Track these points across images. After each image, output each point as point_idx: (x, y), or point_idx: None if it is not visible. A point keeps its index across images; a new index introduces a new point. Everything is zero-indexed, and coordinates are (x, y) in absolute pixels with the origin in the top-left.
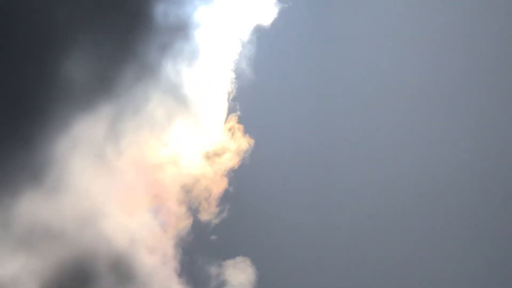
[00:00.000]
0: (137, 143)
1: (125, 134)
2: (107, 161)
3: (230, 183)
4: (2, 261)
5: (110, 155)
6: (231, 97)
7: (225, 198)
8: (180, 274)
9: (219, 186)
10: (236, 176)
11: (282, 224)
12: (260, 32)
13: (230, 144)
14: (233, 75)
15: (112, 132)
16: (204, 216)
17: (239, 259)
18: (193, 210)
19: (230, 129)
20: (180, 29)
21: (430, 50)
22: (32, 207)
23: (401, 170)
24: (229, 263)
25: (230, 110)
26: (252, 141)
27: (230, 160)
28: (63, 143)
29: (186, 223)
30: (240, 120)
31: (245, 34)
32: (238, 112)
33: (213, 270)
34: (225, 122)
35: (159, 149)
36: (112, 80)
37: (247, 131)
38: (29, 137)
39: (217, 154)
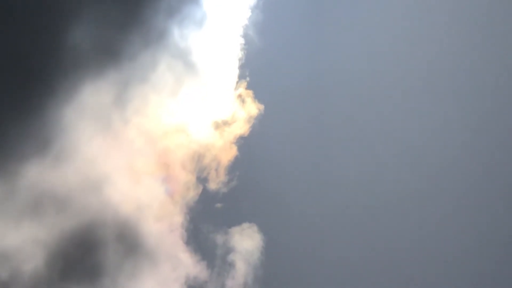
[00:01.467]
0: (145, 111)
1: (132, 102)
2: (114, 128)
3: (239, 151)
4: (8, 230)
5: (117, 122)
6: (240, 64)
7: (234, 166)
8: (187, 242)
9: (228, 154)
10: (245, 143)
11: (290, 190)
12: None
13: (240, 112)
14: (241, 41)
15: (119, 100)
16: (212, 185)
17: (245, 225)
18: (201, 179)
19: (239, 96)
20: None
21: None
22: (38, 174)
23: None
24: (236, 230)
25: (240, 77)
26: (261, 107)
27: (239, 128)
28: (70, 111)
29: (193, 191)
30: (249, 86)
31: None
32: (248, 78)
33: (219, 237)
34: (235, 89)
35: (167, 117)
36: (119, 47)
37: (256, 97)
38: (36, 105)
39: (226, 123)
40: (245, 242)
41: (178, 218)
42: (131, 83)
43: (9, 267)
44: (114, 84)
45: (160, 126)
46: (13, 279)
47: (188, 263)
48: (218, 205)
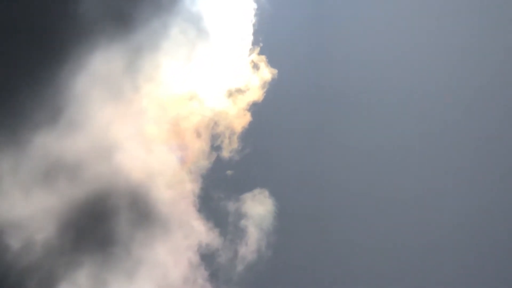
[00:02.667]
0: (156, 78)
1: (144, 69)
2: (126, 96)
3: (253, 117)
4: (20, 199)
5: (128, 90)
6: (253, 29)
7: (247, 133)
8: (199, 210)
9: (242, 121)
10: (259, 109)
11: (303, 156)
12: None
13: (253, 78)
14: (254, 5)
15: (131, 67)
16: (225, 153)
17: (257, 191)
18: (214, 147)
19: (252, 62)
20: None
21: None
22: (49, 143)
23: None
24: (247, 196)
25: (253, 43)
26: (275, 71)
27: (253, 94)
28: (81, 79)
29: (205, 159)
30: (262, 52)
31: None
32: (261, 44)
33: (231, 204)
34: (248, 55)
35: (180, 84)
36: (130, 13)
37: (270, 62)
38: (48, 73)
39: (239, 90)
40: (257, 208)
41: (190, 186)
42: (143, 50)
43: (21, 237)
44: (125, 52)
45: (173, 94)
46: (25, 249)
47: (200, 231)
48: (229, 172)
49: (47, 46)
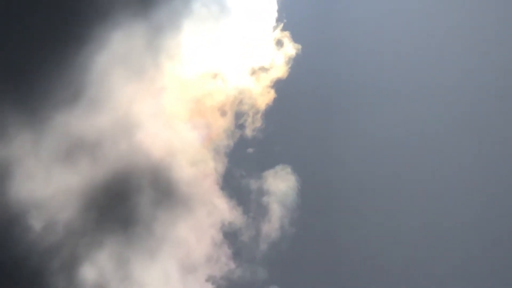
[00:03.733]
0: (178, 56)
1: (166, 48)
2: (147, 75)
3: (277, 94)
4: (41, 179)
5: (150, 69)
6: (278, 6)
7: (271, 110)
8: (222, 188)
9: (266, 99)
10: (283, 86)
11: (327, 132)
12: None
13: (277, 55)
14: None
15: (152, 46)
16: (248, 130)
17: (279, 167)
18: (237, 125)
19: (276, 38)
20: None
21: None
22: (70, 122)
23: None
24: (269, 173)
25: (277, 19)
26: (299, 47)
27: (277, 71)
28: (102, 58)
29: (228, 137)
30: (285, 27)
31: None
32: (285, 20)
33: (253, 181)
34: (272, 31)
35: (202, 62)
36: None
37: (293, 38)
38: (69, 52)
39: (263, 68)
40: (280, 184)
41: (212, 164)
42: (165, 27)
43: (43, 217)
44: (147, 30)
45: (195, 72)
46: (47, 230)
47: (223, 209)
48: (250, 150)
49: (68, 24)
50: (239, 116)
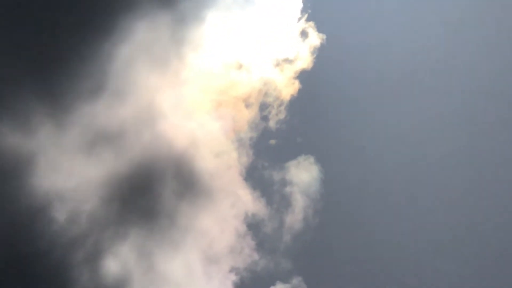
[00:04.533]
0: (202, 48)
1: (190, 39)
2: (171, 66)
3: (302, 84)
4: (64, 170)
5: (173, 60)
6: None
7: (295, 101)
8: (245, 179)
9: (290, 90)
10: (308, 77)
11: (352, 122)
12: None
13: (302, 46)
14: None
15: (176, 37)
16: (272, 123)
17: (301, 158)
18: (261, 116)
19: (301, 29)
20: None
21: None
22: (94, 113)
23: None
24: (292, 163)
25: (302, 10)
26: (324, 37)
27: (302, 62)
28: (126, 49)
29: (252, 128)
30: (310, 18)
31: None
32: (309, 11)
33: (276, 173)
34: (297, 21)
35: (226, 53)
36: None
37: (318, 28)
38: (94, 43)
39: (288, 60)
40: (302, 175)
41: (235, 155)
42: (188, 18)
43: (66, 209)
44: (171, 21)
45: (219, 63)
46: (71, 221)
47: (246, 200)
48: (272, 141)
49: (93, 15)
50: (263, 107)
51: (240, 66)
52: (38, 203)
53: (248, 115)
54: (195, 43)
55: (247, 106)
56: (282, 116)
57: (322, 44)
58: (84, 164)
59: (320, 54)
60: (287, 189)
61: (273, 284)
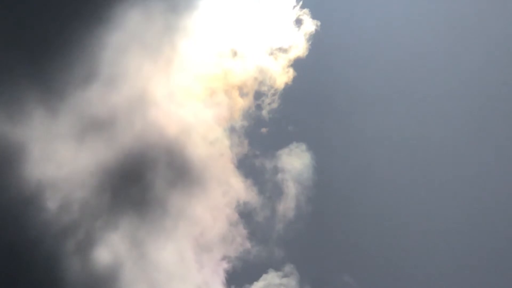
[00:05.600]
0: (195, 36)
1: (182, 27)
2: (163, 54)
3: (296, 72)
4: (56, 158)
5: (166, 48)
6: None
7: (289, 89)
8: (237, 167)
9: (285, 78)
10: (303, 64)
11: (346, 108)
12: None
13: (297, 34)
14: None
15: (169, 26)
16: (265, 112)
17: (293, 145)
18: (255, 105)
19: (296, 17)
20: None
21: None
22: (86, 100)
23: None
24: (284, 151)
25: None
26: (318, 23)
27: (297, 50)
28: (118, 37)
29: (244, 116)
30: (304, 5)
31: None
32: None
33: (268, 161)
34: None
35: (220, 42)
36: None
37: (313, 15)
38: (86, 31)
39: (283, 49)
40: (295, 162)
41: (227, 143)
42: (182, 6)
43: (57, 197)
44: (164, 9)
45: (213, 51)
46: (62, 210)
47: (238, 188)
48: (264, 129)
49: (86, 3)
50: (257, 96)
51: (235, 54)
52: (29, 192)
53: (242, 103)
54: (188, 31)
55: (242, 95)
56: (275, 105)
57: (316, 31)
58: (76, 152)
59: (315, 41)
60: (279, 176)
61: (266, 272)
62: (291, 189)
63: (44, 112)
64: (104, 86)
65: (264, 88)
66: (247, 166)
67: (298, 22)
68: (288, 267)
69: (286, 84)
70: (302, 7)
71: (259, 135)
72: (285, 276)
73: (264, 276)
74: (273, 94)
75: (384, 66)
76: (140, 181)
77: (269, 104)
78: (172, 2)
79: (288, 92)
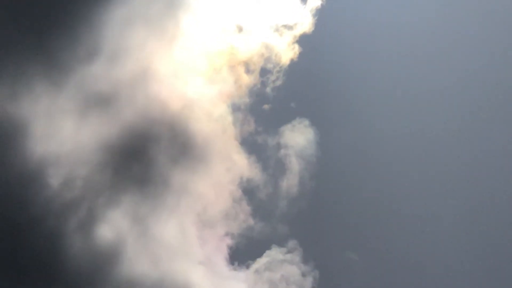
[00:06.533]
0: (199, 12)
1: (186, 4)
2: (167, 30)
3: (302, 47)
4: (59, 134)
5: (169, 24)
6: None
7: (295, 66)
8: (241, 143)
9: (290, 54)
10: (309, 40)
11: (347, 86)
12: None
13: (303, 10)
14: None
15: (171, 3)
16: (269, 89)
17: (296, 121)
18: (260, 81)
19: None
20: None
21: None
22: (89, 75)
23: None
24: (287, 127)
25: None
26: None
27: (303, 26)
28: (121, 12)
29: (247, 93)
30: None
31: None
32: None
33: (271, 137)
34: None
35: (224, 17)
36: None
37: None
38: (88, 6)
39: (288, 26)
40: (297, 138)
41: (230, 119)
42: None
43: (59, 174)
44: None
45: (218, 27)
46: (64, 187)
47: (242, 164)
48: (266, 106)
49: None
50: (263, 73)
51: (240, 30)
52: (31, 168)
53: (247, 80)
54: (192, 7)
55: (247, 71)
56: (279, 82)
57: (322, 5)
58: (79, 128)
59: (321, 16)
60: (283, 153)
61: (269, 248)
62: (294, 165)
63: (47, 87)
64: (107, 62)
65: (270, 65)
66: (250, 143)
67: None
68: (291, 243)
69: (292, 61)
70: None
71: (262, 112)
72: (289, 252)
73: (268, 252)
74: (278, 71)
75: (390, 43)
76: (143, 157)
77: (274, 81)
78: None
79: (293, 68)
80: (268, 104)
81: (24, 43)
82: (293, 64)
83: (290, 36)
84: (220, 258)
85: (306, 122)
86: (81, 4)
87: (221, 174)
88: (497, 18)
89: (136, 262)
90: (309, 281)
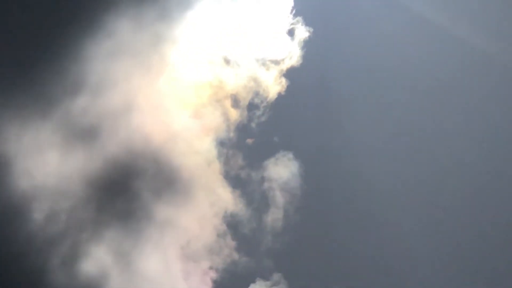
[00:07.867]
0: (185, 46)
1: (171, 37)
2: (152, 64)
3: (289, 80)
4: (41, 168)
5: (155, 58)
6: None
7: (281, 100)
8: (225, 177)
9: (278, 88)
10: (296, 74)
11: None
12: None
13: (291, 44)
14: None
15: (158, 35)
16: (254, 123)
17: (280, 154)
18: (245, 115)
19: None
20: None
21: None
22: (72, 110)
23: None
24: (270, 161)
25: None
26: (311, 29)
27: (290, 60)
28: (106, 48)
29: (231, 126)
30: (297, 13)
31: None
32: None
33: (255, 172)
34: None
35: (210, 51)
36: None
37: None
38: (74, 39)
39: (275, 61)
40: (281, 171)
41: (215, 153)
42: (172, 15)
43: (43, 209)
44: (154, 18)
45: (203, 60)
46: (47, 222)
47: (226, 198)
48: (249, 140)
49: (74, 12)
50: (251, 108)
51: (227, 63)
52: (14, 203)
53: (235, 115)
54: (179, 40)
55: (235, 105)
56: (265, 118)
57: (310, 38)
58: (62, 161)
59: (309, 49)
60: (267, 187)
61: (253, 282)
62: (279, 199)
63: (32, 120)
64: (92, 95)
65: (258, 101)
66: (234, 177)
67: (291, 32)
68: (276, 276)
69: (279, 94)
70: (295, 15)
71: (246, 146)
72: (273, 285)
73: (252, 285)
74: (265, 106)
75: (379, 74)
76: (126, 191)
77: (259, 116)
78: (163, 11)
79: (278, 101)
80: (252, 138)
81: (8, 74)
82: (279, 97)
83: (277, 70)
84: None
85: (290, 155)
86: (66, 36)
87: (205, 208)
88: (498, 18)
89: None
90: None
